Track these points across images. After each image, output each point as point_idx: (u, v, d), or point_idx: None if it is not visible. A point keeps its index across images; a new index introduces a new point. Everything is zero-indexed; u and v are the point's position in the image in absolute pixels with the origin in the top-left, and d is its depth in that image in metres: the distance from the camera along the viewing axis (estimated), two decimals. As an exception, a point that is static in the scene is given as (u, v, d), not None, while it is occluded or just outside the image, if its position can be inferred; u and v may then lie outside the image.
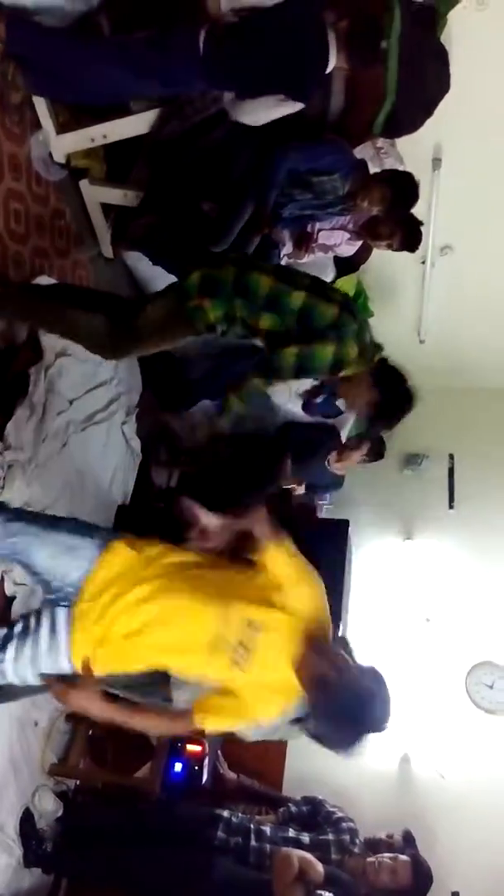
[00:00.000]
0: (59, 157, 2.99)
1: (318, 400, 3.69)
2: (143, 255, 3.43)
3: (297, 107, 2.77)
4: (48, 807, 2.99)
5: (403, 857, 2.94)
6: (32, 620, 1.85)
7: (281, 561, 1.82)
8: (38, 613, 1.88)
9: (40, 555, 1.84)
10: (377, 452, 3.81)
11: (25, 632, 1.84)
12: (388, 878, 2.87)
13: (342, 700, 1.71)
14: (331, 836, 3.03)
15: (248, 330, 2.42)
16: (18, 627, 1.85)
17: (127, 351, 2.67)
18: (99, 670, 1.79)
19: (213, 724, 1.76)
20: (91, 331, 2.56)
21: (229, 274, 2.38)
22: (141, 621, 1.77)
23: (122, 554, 1.86)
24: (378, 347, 2.52)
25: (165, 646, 1.77)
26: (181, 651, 1.77)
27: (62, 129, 2.92)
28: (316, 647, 1.76)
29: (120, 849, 2.90)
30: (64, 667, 1.81)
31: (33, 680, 1.84)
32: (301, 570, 1.84)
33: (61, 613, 1.82)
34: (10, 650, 1.81)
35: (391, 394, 2.49)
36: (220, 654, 1.72)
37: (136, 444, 3.78)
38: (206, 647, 1.73)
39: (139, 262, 3.52)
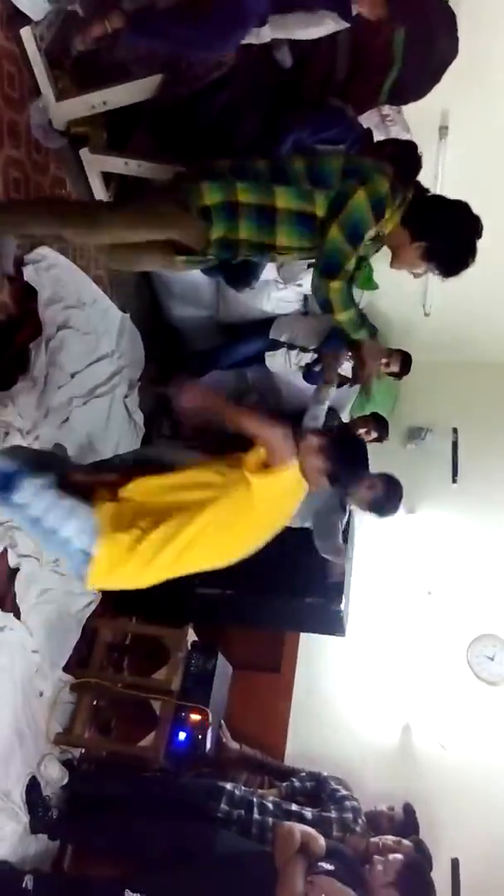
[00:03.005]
0: (59, 125, 2.93)
1: (318, 369, 3.67)
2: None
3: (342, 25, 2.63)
4: (54, 775, 3.03)
5: (406, 842, 2.97)
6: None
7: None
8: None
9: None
10: (380, 435, 3.80)
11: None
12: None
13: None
14: (334, 814, 3.07)
15: (264, 219, 2.16)
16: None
17: (105, 224, 2.34)
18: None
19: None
20: (71, 208, 2.45)
21: (224, 164, 2.24)
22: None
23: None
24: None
25: None
26: None
27: (62, 95, 2.86)
28: None
29: (124, 817, 2.95)
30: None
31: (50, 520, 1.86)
32: None
33: None
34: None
35: (437, 231, 2.21)
36: None
37: (139, 417, 3.77)
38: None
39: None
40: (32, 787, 2.90)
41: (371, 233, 2.20)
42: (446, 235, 2.21)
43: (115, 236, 2.40)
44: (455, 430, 4.73)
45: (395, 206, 2.19)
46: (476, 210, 3.92)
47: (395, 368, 3.84)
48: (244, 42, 2.67)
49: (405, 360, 3.84)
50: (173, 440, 4.04)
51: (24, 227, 2.64)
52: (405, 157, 2.96)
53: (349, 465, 2.05)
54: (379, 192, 2.13)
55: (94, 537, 1.86)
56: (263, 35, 2.64)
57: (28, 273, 2.85)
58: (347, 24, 2.64)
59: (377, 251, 2.51)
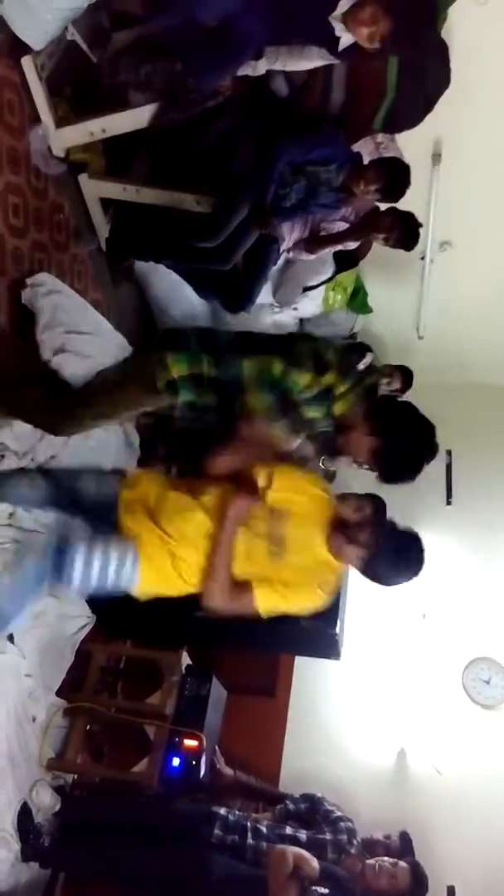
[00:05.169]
0: (58, 151, 2.98)
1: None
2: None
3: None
4: (46, 801, 2.99)
5: (403, 864, 2.96)
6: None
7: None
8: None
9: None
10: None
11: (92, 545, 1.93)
12: (386, 883, 2.89)
13: (391, 555, 1.98)
14: (328, 836, 3.04)
15: (224, 389, 2.13)
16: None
17: (73, 418, 2.37)
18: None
19: (267, 600, 1.91)
20: (34, 401, 2.44)
21: (191, 331, 2.24)
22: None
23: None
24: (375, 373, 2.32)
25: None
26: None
27: (61, 122, 2.90)
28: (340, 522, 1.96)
29: (117, 844, 2.90)
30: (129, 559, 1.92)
31: (95, 584, 1.91)
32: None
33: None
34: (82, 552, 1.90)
35: (397, 437, 2.08)
36: (256, 552, 1.91)
37: (135, 439, 3.77)
38: (243, 553, 1.91)
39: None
40: (24, 813, 2.86)
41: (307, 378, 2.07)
42: (405, 447, 2.11)
43: (86, 427, 2.47)
44: (449, 452, 4.74)
45: (343, 382, 2.10)
46: (471, 234, 4.01)
47: (396, 385, 3.86)
48: (241, 74, 2.73)
49: (406, 376, 3.87)
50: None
51: None
52: (395, 171, 3.02)
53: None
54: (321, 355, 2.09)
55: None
56: (259, 67, 2.70)
57: (26, 297, 2.87)
58: (336, 61, 2.72)
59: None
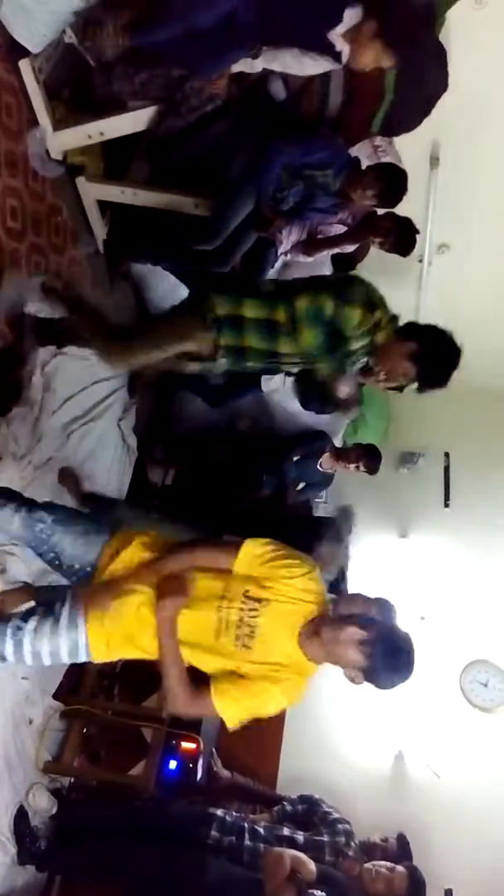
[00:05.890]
0: (56, 154, 2.98)
1: None
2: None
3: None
4: (42, 804, 2.99)
5: (400, 869, 2.95)
6: (56, 603, 1.91)
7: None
8: (60, 593, 1.95)
9: (65, 542, 1.96)
10: (372, 467, 3.79)
11: (50, 609, 1.90)
12: (383, 887, 2.88)
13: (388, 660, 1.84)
14: (326, 838, 3.04)
15: (266, 331, 2.38)
16: (42, 607, 1.93)
17: (128, 350, 2.55)
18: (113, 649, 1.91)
19: (227, 709, 1.83)
20: (97, 328, 2.66)
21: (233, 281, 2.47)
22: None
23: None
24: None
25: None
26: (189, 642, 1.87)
27: (59, 125, 2.90)
28: (326, 620, 1.86)
29: (114, 847, 2.90)
30: (80, 641, 1.87)
31: (46, 659, 1.89)
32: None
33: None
34: (32, 622, 1.88)
35: (429, 344, 2.36)
36: (225, 637, 1.82)
37: (133, 441, 3.77)
38: (212, 632, 1.83)
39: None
40: (20, 816, 2.86)
41: (359, 314, 2.35)
42: (436, 347, 2.38)
43: (142, 360, 2.56)
44: (447, 455, 4.75)
45: (386, 315, 2.41)
46: (468, 237, 4.02)
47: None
48: (238, 70, 2.73)
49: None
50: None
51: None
52: (392, 177, 3.03)
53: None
54: (372, 294, 2.41)
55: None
56: (256, 65, 2.70)
57: (32, 309, 2.86)
58: (338, 66, 2.71)
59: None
